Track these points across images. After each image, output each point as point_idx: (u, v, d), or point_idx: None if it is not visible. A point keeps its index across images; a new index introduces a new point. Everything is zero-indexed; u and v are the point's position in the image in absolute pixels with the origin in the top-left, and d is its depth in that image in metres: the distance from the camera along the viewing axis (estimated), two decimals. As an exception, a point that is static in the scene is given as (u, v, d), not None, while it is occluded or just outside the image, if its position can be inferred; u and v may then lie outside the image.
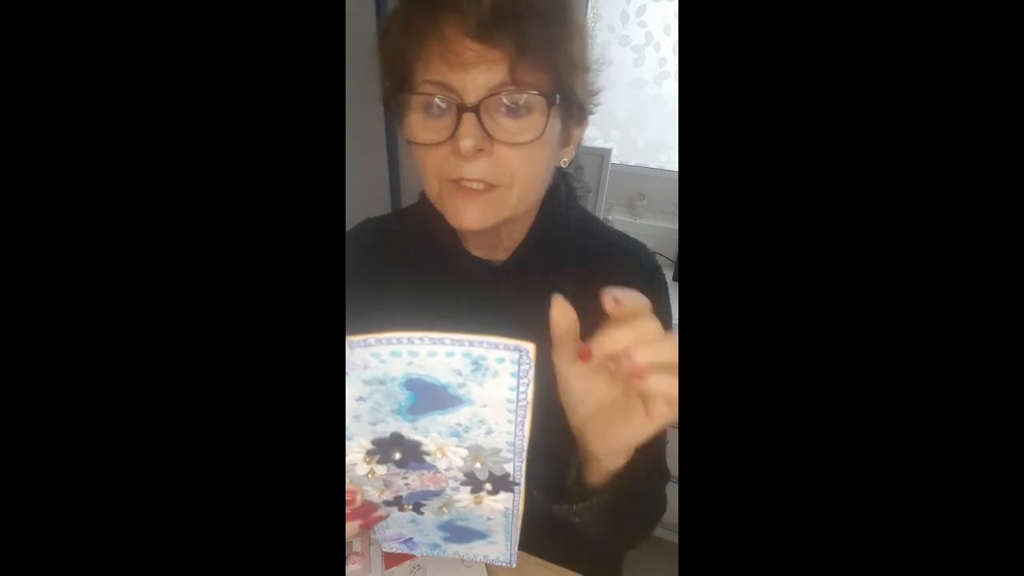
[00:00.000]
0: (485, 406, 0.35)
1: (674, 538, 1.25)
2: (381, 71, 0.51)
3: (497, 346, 0.32)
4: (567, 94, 0.48)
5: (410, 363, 0.33)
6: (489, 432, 0.37)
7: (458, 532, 0.46)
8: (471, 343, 0.32)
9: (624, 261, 0.61)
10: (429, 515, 0.44)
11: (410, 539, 0.48)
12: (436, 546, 0.48)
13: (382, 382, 0.34)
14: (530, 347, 0.32)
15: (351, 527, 0.42)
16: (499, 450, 0.38)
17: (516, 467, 0.39)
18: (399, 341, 0.32)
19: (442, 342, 0.32)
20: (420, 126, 0.48)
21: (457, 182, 0.48)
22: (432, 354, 0.32)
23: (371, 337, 0.32)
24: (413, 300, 0.59)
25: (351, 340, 0.32)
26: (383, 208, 0.75)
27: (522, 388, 0.34)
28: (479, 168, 0.47)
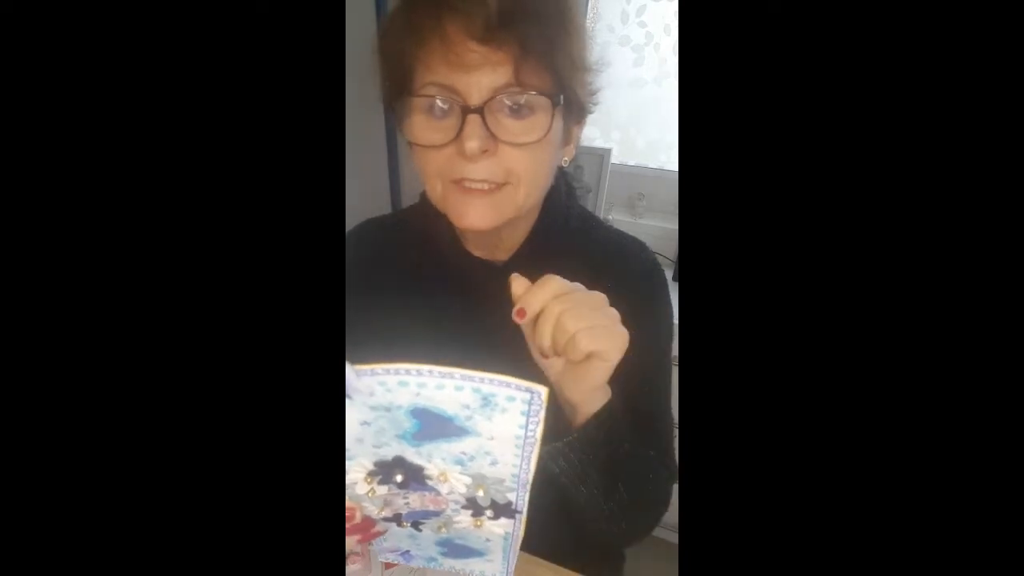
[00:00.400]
0: (492, 439, 0.35)
1: (674, 538, 1.25)
2: (382, 72, 0.51)
3: (508, 385, 0.32)
4: (569, 94, 0.49)
5: (417, 394, 0.33)
6: (494, 463, 0.37)
7: (456, 549, 0.46)
8: (481, 380, 0.32)
9: (624, 259, 0.61)
10: (428, 532, 0.44)
11: (407, 552, 0.48)
12: (433, 559, 0.48)
13: (387, 409, 0.34)
14: (543, 390, 0.32)
15: (349, 541, 0.42)
16: (503, 480, 0.38)
17: (519, 496, 0.39)
18: (407, 372, 0.32)
19: (451, 376, 0.32)
20: (423, 128, 0.48)
21: (460, 183, 0.48)
22: (440, 387, 0.32)
23: (379, 367, 0.32)
24: (414, 301, 0.59)
25: (358, 368, 0.32)
26: (383, 209, 0.75)
27: (531, 427, 0.34)
28: (483, 169, 0.47)
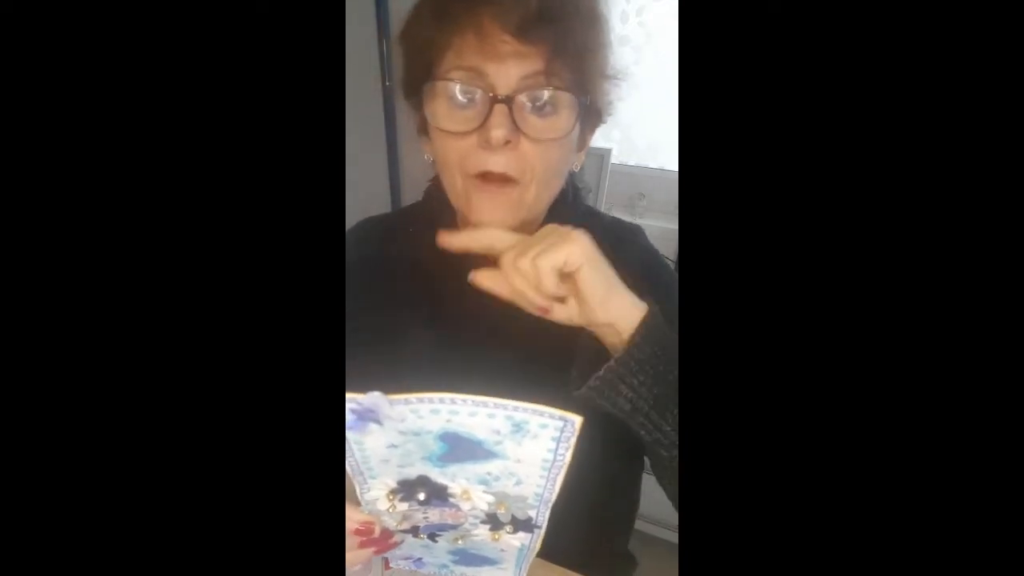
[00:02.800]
0: (519, 462, 0.35)
1: (674, 538, 1.25)
2: (403, 58, 0.51)
3: (542, 414, 0.32)
4: (592, 99, 0.49)
5: (449, 420, 0.33)
6: (519, 483, 0.37)
7: (468, 558, 0.46)
8: (515, 408, 0.32)
9: (622, 244, 0.61)
10: (443, 543, 0.44)
11: (420, 559, 0.48)
12: (444, 567, 0.48)
13: (417, 434, 0.34)
14: (577, 419, 0.32)
15: (365, 554, 0.41)
16: (526, 498, 0.38)
17: (540, 513, 0.39)
18: (441, 401, 0.32)
19: (485, 404, 0.32)
20: (446, 115, 0.48)
21: (482, 177, 0.48)
22: (473, 414, 0.33)
23: (412, 396, 0.32)
24: (414, 299, 0.59)
25: (392, 398, 0.32)
26: (383, 207, 0.75)
27: (560, 451, 0.34)
28: (503, 161, 0.47)
